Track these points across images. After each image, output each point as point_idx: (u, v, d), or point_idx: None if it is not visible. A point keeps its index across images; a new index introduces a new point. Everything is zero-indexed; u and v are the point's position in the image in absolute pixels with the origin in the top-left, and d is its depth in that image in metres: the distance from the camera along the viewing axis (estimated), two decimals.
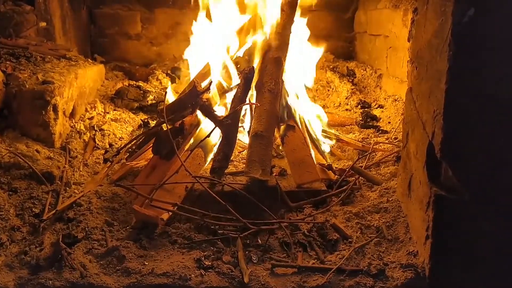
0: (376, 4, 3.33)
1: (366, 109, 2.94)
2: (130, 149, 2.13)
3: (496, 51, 1.18)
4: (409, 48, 1.66)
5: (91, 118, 2.44)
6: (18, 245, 1.51)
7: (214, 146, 2.01)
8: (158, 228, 1.57)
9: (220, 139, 1.95)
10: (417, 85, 1.53)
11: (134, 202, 1.69)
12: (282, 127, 2.02)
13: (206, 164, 1.97)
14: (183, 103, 2.04)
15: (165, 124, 1.84)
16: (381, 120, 2.75)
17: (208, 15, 2.39)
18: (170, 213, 1.61)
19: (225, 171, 1.89)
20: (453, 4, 1.18)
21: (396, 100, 2.84)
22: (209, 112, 1.98)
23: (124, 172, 1.92)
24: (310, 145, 2.04)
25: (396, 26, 2.90)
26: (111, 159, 2.05)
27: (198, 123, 2.05)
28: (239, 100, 1.98)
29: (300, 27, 2.36)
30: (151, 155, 1.90)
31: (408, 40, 1.67)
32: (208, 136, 1.86)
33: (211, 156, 1.99)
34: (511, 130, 1.21)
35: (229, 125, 1.92)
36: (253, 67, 2.04)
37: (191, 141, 1.99)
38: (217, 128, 1.91)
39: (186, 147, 1.95)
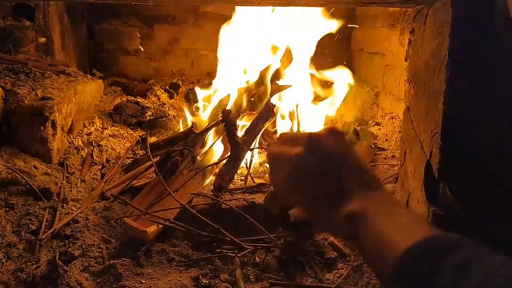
0: (373, 22, 3.36)
1: (363, 127, 2.95)
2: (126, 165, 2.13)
3: (494, 71, 1.19)
4: (406, 68, 1.68)
5: (89, 134, 2.44)
6: (15, 262, 1.49)
7: (212, 164, 2.02)
8: (147, 243, 1.54)
9: (226, 160, 1.96)
10: (414, 104, 1.54)
11: (128, 216, 1.67)
12: None
13: (205, 183, 1.98)
14: (175, 140, 2.12)
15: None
16: (378, 138, 2.76)
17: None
18: (159, 229, 1.59)
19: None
20: (450, 26, 1.19)
21: (393, 117, 2.85)
22: (231, 129, 1.99)
23: (121, 189, 1.92)
24: None
25: (392, 44, 2.92)
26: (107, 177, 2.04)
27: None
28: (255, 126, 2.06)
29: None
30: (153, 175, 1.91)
31: (405, 60, 1.68)
32: (219, 162, 1.89)
33: (210, 175, 2.00)
34: (509, 151, 1.22)
35: (241, 148, 1.94)
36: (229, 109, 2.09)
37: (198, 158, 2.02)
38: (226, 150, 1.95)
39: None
